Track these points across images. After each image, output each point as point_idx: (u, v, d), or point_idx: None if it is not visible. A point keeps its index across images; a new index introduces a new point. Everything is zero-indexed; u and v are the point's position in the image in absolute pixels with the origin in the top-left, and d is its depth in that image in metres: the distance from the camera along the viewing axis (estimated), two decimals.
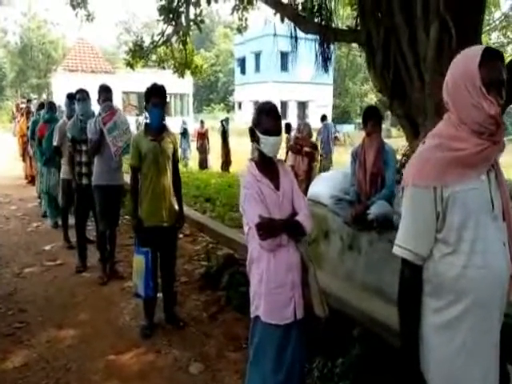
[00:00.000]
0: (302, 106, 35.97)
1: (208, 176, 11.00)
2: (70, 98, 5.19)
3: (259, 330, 2.17)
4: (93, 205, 4.59)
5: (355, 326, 2.74)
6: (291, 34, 5.92)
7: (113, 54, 49.74)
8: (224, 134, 12.24)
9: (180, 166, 11.54)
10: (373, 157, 3.69)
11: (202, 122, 14.81)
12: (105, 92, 4.23)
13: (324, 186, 4.32)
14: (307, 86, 34.48)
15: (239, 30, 12.33)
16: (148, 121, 3.39)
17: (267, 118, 2.10)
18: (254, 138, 2.14)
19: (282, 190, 2.15)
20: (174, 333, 3.35)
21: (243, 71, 39.48)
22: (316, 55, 5.73)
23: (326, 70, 5.71)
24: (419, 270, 1.45)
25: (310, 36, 5.75)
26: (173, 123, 16.31)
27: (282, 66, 35.75)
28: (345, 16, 8.33)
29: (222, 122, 13.03)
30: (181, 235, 6.20)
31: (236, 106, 40.61)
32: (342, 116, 36.47)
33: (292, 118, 29.91)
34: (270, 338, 2.13)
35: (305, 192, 4.60)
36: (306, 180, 4.65)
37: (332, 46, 5.88)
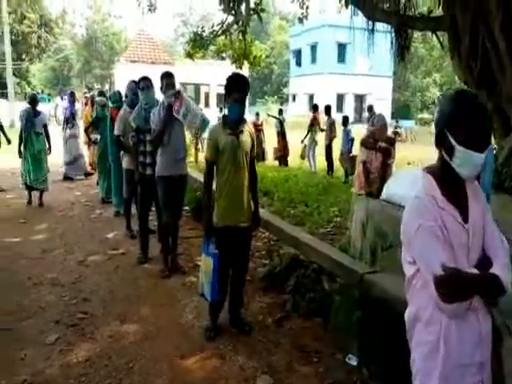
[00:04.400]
0: (360, 99, 34.82)
1: (264, 169, 10.78)
2: (131, 86, 5.12)
3: None
4: (155, 195, 4.50)
5: None
6: (369, 25, 5.47)
7: (170, 47, 50.86)
8: (281, 127, 11.94)
9: None
10: None
11: (257, 114, 14.59)
12: (167, 78, 4.06)
13: (402, 186, 3.92)
14: (365, 79, 33.32)
15: (300, 20, 11.97)
16: (226, 113, 3.14)
17: (475, 125, 1.40)
18: (442, 146, 1.48)
19: (472, 222, 1.49)
20: (238, 338, 3.15)
21: (298, 63, 38.86)
22: (391, 43, 5.32)
23: (402, 58, 5.29)
24: None
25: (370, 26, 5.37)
26: None
27: (338, 57, 34.80)
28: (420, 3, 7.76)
29: (278, 112, 12.73)
30: None
31: (290, 99, 40.09)
32: (401, 110, 34.89)
33: (349, 111, 28.97)
34: None
35: (378, 191, 4.22)
36: (379, 178, 4.27)
37: (410, 34, 5.45)
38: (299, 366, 2.83)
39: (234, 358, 2.91)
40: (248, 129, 3.14)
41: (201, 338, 3.16)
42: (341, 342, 3.01)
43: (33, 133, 6.81)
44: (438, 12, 5.70)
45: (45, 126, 7.02)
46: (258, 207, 3.27)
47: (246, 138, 3.08)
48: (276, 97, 45.73)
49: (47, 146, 7.06)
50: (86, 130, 8.29)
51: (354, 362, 2.87)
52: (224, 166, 3.01)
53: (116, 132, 5.02)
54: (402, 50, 5.17)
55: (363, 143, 4.35)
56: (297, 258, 4.02)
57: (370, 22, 5.37)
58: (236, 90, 2.95)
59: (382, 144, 4.19)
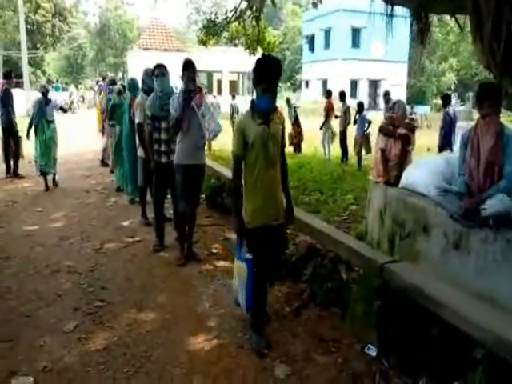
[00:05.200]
0: (374, 84, 34.23)
1: None
2: (147, 73, 5.07)
3: None
4: (171, 183, 4.47)
5: (475, 345, 2.31)
6: (387, 10, 5.29)
7: (183, 34, 50.56)
8: (295, 113, 11.79)
9: None
10: (490, 143, 3.14)
11: None
12: (191, 68, 3.95)
13: (423, 174, 3.82)
14: (380, 64, 32.71)
15: (314, 4, 11.74)
16: (255, 100, 2.73)
17: None
18: None
19: None
20: None
21: (312, 48, 38.27)
22: (411, 26, 5.15)
23: (422, 42, 5.12)
24: None
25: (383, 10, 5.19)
26: (242, 102, 16.15)
27: (352, 42, 34.16)
28: None
29: (288, 100, 12.56)
30: None
31: (303, 85, 39.62)
32: (417, 96, 34.22)
33: (363, 97, 28.51)
34: None
35: (397, 179, 4.13)
36: (398, 166, 4.16)
37: (430, 17, 5.26)
38: (317, 355, 2.80)
39: (251, 346, 2.89)
40: (278, 115, 2.82)
41: (218, 325, 3.16)
42: (359, 333, 2.97)
43: (44, 121, 7.20)
44: None
45: (60, 109, 7.75)
46: (291, 201, 3.00)
47: (277, 126, 2.78)
48: (289, 83, 45.26)
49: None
50: (105, 118, 8.33)
51: (373, 352, 2.83)
52: (254, 160, 2.70)
53: (137, 120, 4.91)
54: (421, 33, 4.99)
55: (382, 130, 4.24)
56: (313, 247, 3.97)
57: (389, 7, 5.20)
58: (268, 75, 2.60)
59: (401, 131, 4.08)
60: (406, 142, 4.15)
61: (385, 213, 4.21)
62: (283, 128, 2.86)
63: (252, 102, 2.72)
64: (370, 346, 2.86)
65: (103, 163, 9.27)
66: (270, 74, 2.59)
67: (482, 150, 3.20)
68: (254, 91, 2.71)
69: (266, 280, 2.93)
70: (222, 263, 4.29)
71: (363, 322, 3.00)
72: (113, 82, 8.12)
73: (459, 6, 4.61)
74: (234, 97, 15.09)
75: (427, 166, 3.90)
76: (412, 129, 4.30)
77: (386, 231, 4.11)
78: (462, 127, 7.93)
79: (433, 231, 3.46)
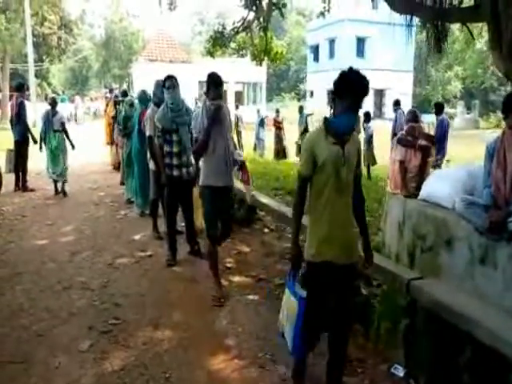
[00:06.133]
0: (379, 94, 34.24)
1: (286, 167, 10.63)
2: (159, 84, 5.03)
3: None
4: (183, 197, 4.39)
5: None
6: (390, 19, 5.26)
7: (187, 45, 50.98)
8: (305, 122, 11.75)
9: (256, 156, 11.25)
10: None
11: (277, 111, 14.45)
12: (217, 86, 3.63)
13: (444, 186, 3.73)
14: (385, 73, 32.75)
15: (322, 14, 11.75)
16: (329, 116, 2.36)
17: None
18: None
19: None
20: (278, 346, 3.01)
21: (316, 58, 38.46)
22: (427, 35, 5.11)
23: (439, 51, 5.06)
24: None
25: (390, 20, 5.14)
26: (247, 112, 16.12)
27: (357, 52, 34.28)
28: None
29: (299, 109, 12.53)
30: (266, 229, 5.92)
31: (307, 95, 39.71)
32: (422, 105, 34.19)
33: (368, 106, 28.50)
34: None
35: (416, 190, 4.04)
36: (417, 177, 4.07)
37: (447, 26, 5.22)
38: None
39: (273, 367, 2.79)
40: (355, 138, 2.41)
41: (236, 345, 3.05)
42: (385, 352, 2.86)
43: (51, 131, 7.63)
44: (470, 2, 5.45)
45: (62, 124, 7.72)
46: (368, 237, 2.52)
47: (353, 149, 2.38)
48: (293, 93, 45.39)
49: (67, 142, 7.77)
50: (116, 130, 8.41)
51: (400, 372, 2.72)
52: (323, 184, 2.31)
53: (148, 132, 4.83)
54: (438, 42, 4.94)
55: (400, 141, 4.15)
56: None
57: (399, 16, 5.16)
58: (354, 92, 2.23)
59: (422, 142, 3.99)
60: (427, 153, 4.06)
61: (404, 225, 4.10)
62: (359, 153, 2.48)
63: (325, 119, 2.35)
64: (396, 365, 2.75)
65: (116, 168, 9.57)
66: (356, 90, 2.24)
67: (508, 160, 3.11)
68: (332, 107, 2.34)
69: (319, 329, 2.47)
70: (237, 278, 4.20)
71: (389, 340, 2.89)
72: (125, 94, 8.10)
73: (477, 14, 4.56)
74: (237, 107, 15.07)
75: (449, 178, 3.80)
76: (432, 140, 4.21)
77: (405, 244, 4.00)
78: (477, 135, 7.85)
79: (456, 245, 3.35)
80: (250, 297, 3.79)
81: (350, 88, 2.23)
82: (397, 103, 9.61)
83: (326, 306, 2.39)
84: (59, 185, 7.78)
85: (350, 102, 2.23)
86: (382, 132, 9.95)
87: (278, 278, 4.10)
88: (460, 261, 3.31)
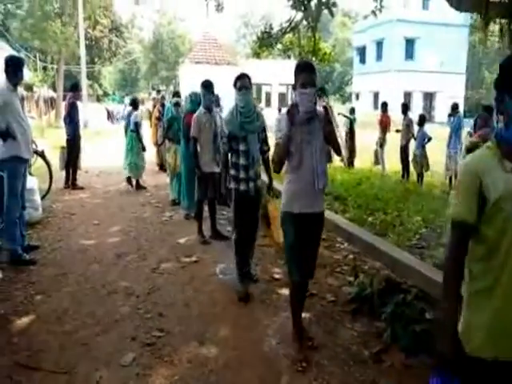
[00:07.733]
0: (429, 97, 32.96)
1: (332, 170, 10.26)
2: (206, 86, 4.91)
3: None
4: (249, 214, 3.90)
5: None
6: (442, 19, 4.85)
7: (232, 48, 51.40)
8: (351, 126, 11.32)
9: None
10: None
11: (352, 111, 14.01)
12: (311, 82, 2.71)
13: None
14: (435, 76, 31.46)
15: (373, 13, 11.29)
16: (498, 129, 1.65)
17: None
18: None
19: None
20: (332, 373, 2.74)
21: (363, 60, 37.56)
22: (501, 31, 4.65)
23: None
24: None
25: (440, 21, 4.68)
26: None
27: (406, 53, 33.12)
28: None
29: (350, 111, 12.09)
30: None
31: (353, 97, 38.85)
32: (475, 109, 32.52)
33: (417, 109, 27.42)
34: None
35: None
36: None
37: None
38: None
39: None
40: None
41: (287, 368, 2.80)
42: None
43: (129, 129, 8.23)
44: None
45: (135, 125, 8.02)
46: None
47: None
48: (338, 95, 44.64)
49: (139, 142, 8.07)
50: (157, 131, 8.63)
51: None
52: (497, 236, 1.47)
53: (192, 133, 4.81)
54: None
55: (472, 149, 3.75)
56: (392, 281, 3.53)
57: (454, 16, 4.74)
58: None
59: None
60: None
61: None
62: None
63: (496, 133, 1.55)
64: None
65: (161, 168, 9.85)
66: None
67: None
68: (500, 112, 1.57)
69: None
70: (284, 291, 3.94)
71: None
72: (176, 94, 8.06)
73: None
74: (279, 110, 14.77)
75: None
76: None
77: None
78: None
79: None
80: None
81: None
82: (455, 107, 9.01)
83: None
84: (133, 181, 8.24)
85: None
86: (433, 136, 9.45)
87: (330, 295, 3.82)
88: None
